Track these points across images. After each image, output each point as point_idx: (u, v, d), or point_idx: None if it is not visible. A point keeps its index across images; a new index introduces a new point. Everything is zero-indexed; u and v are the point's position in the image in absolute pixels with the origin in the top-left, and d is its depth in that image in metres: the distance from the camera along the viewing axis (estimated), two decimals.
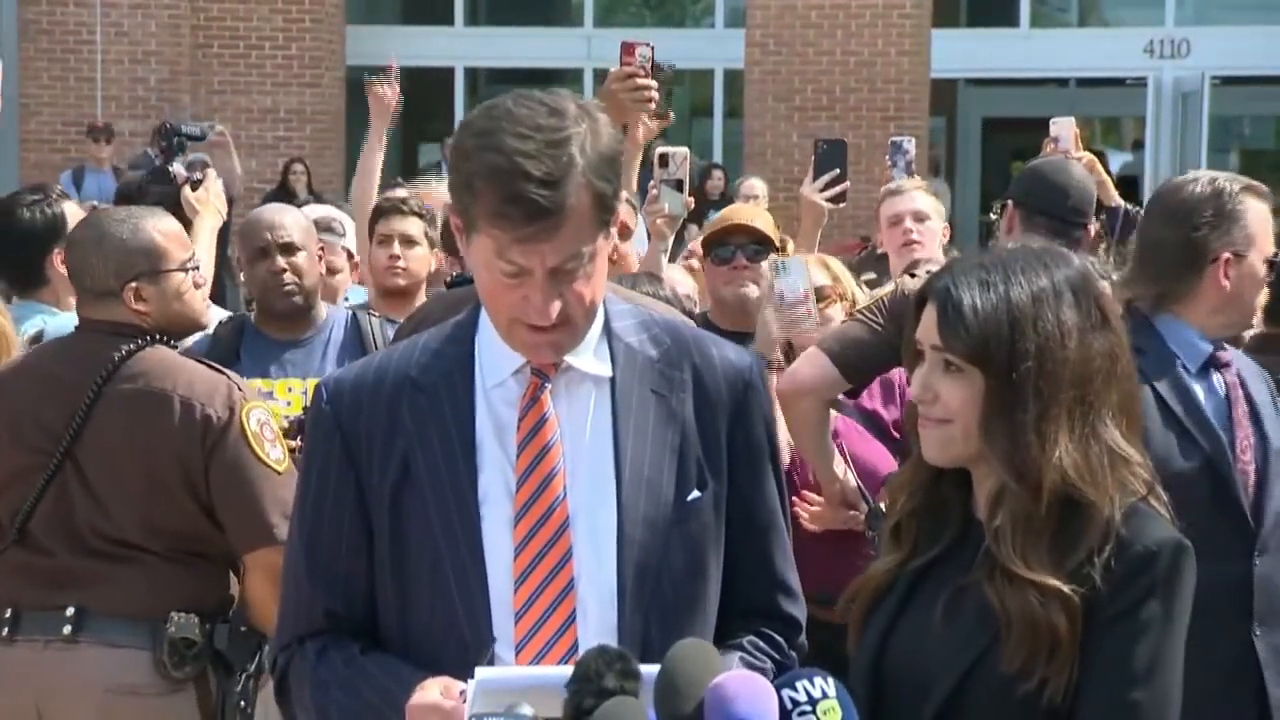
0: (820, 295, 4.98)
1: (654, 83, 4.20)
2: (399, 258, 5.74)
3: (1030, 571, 2.40)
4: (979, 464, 2.51)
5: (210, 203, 5.68)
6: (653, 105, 4.20)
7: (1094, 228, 4.79)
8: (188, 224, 5.32)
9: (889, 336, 4.31)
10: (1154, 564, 2.42)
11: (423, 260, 5.81)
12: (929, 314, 2.51)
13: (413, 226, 5.79)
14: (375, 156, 6.79)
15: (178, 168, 5.81)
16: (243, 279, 5.29)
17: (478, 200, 2.41)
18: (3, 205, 5.28)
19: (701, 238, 5.58)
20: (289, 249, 4.99)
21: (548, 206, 2.37)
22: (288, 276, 4.97)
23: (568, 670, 2.24)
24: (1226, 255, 3.73)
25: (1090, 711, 2.39)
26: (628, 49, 4.25)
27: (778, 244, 5.39)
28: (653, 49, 4.24)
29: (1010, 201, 4.67)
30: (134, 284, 4.05)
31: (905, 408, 2.78)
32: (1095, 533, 2.42)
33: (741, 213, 5.63)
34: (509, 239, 2.39)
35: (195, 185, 5.79)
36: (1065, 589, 2.38)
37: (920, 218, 5.95)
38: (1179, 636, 2.45)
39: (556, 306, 2.44)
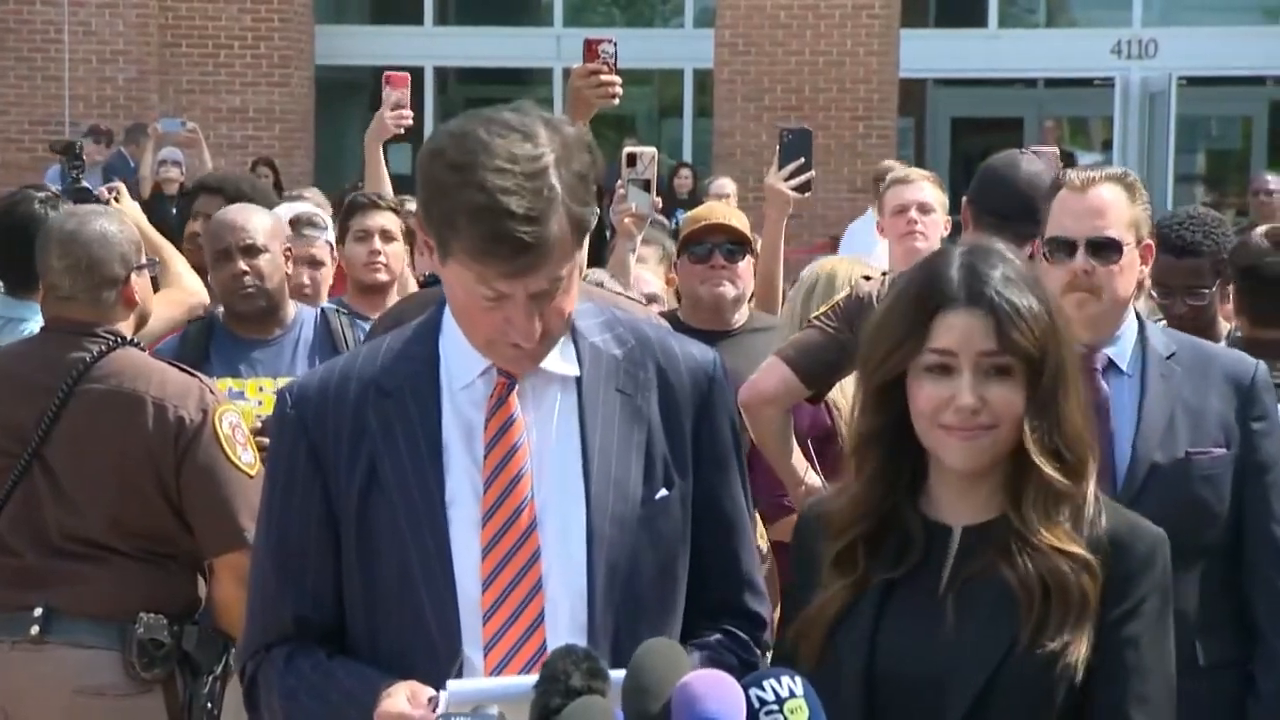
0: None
1: (617, 78, 4.22)
2: (379, 253, 5.73)
3: (1060, 542, 2.46)
4: (993, 465, 2.53)
5: (139, 214, 5.65)
6: (616, 101, 4.23)
7: None
8: None
9: (846, 342, 4.31)
10: (1154, 562, 2.51)
11: (399, 256, 5.81)
12: (965, 322, 2.48)
13: (389, 221, 5.77)
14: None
15: (91, 184, 5.77)
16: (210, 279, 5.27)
17: (458, 235, 2.41)
18: (13, 204, 5.16)
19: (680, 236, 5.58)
20: (251, 251, 4.96)
21: (533, 243, 2.38)
22: (248, 279, 4.95)
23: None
24: (1037, 240, 3.67)
25: (1108, 707, 2.46)
26: (591, 45, 4.27)
27: (754, 244, 5.42)
28: (615, 45, 4.26)
29: (965, 199, 4.68)
30: (133, 274, 4.08)
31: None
32: (1089, 504, 2.52)
33: (719, 211, 5.64)
34: (491, 272, 2.40)
35: (118, 199, 5.74)
36: (1090, 557, 2.46)
37: (925, 209, 5.94)
38: (1172, 627, 2.55)
39: (538, 326, 2.46)
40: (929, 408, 2.50)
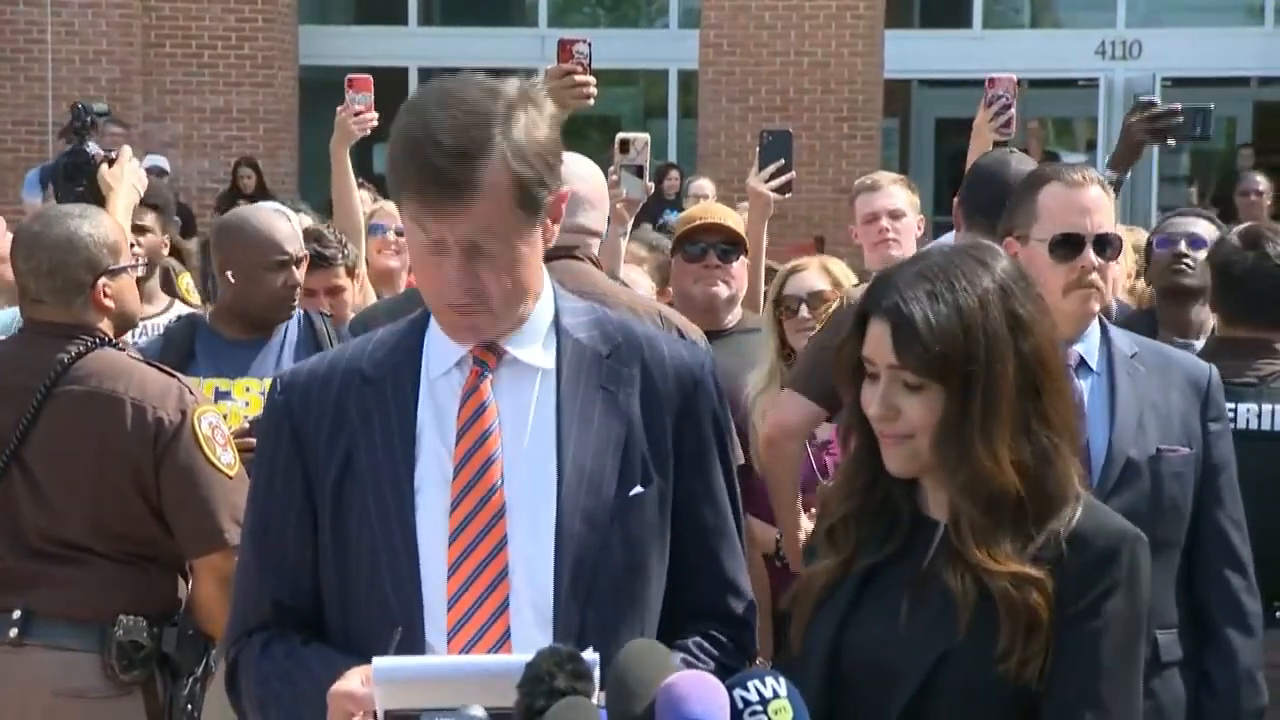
0: (821, 299, 4.99)
1: (592, 79, 4.22)
2: (328, 311, 5.66)
3: (998, 564, 2.43)
4: (938, 472, 2.52)
5: (124, 179, 5.52)
6: (591, 101, 4.23)
7: None
8: (102, 200, 5.23)
9: None
10: (1117, 559, 2.47)
11: (350, 296, 5.71)
12: (879, 333, 2.50)
13: (338, 276, 5.65)
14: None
15: (94, 147, 5.66)
16: (232, 281, 5.04)
17: (397, 168, 2.45)
18: None
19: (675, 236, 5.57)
20: (300, 262, 4.94)
21: (456, 178, 2.39)
22: (298, 291, 4.93)
23: (473, 659, 2.26)
24: (1009, 238, 3.61)
25: (1059, 706, 2.43)
26: (565, 46, 4.28)
27: (747, 244, 5.42)
28: (590, 45, 4.26)
29: (956, 199, 4.68)
30: (104, 279, 4.04)
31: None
32: (1052, 523, 2.47)
33: (714, 211, 5.65)
34: (420, 206, 2.42)
35: (110, 163, 5.63)
36: (1036, 573, 2.42)
37: (896, 215, 5.95)
38: (1142, 628, 2.50)
39: (467, 287, 2.45)
40: (866, 409, 2.54)
